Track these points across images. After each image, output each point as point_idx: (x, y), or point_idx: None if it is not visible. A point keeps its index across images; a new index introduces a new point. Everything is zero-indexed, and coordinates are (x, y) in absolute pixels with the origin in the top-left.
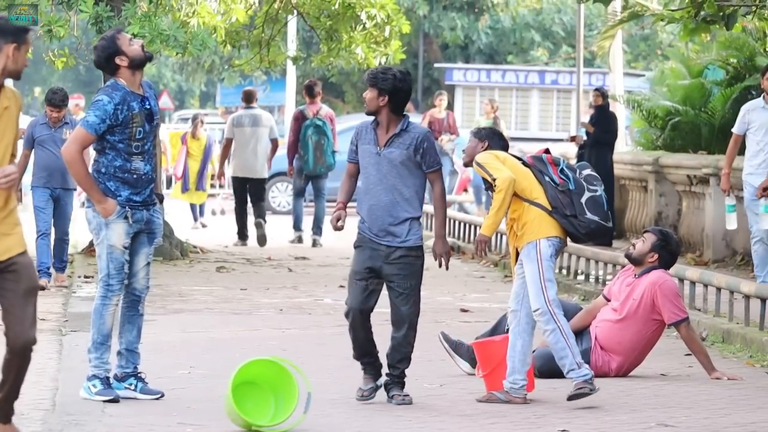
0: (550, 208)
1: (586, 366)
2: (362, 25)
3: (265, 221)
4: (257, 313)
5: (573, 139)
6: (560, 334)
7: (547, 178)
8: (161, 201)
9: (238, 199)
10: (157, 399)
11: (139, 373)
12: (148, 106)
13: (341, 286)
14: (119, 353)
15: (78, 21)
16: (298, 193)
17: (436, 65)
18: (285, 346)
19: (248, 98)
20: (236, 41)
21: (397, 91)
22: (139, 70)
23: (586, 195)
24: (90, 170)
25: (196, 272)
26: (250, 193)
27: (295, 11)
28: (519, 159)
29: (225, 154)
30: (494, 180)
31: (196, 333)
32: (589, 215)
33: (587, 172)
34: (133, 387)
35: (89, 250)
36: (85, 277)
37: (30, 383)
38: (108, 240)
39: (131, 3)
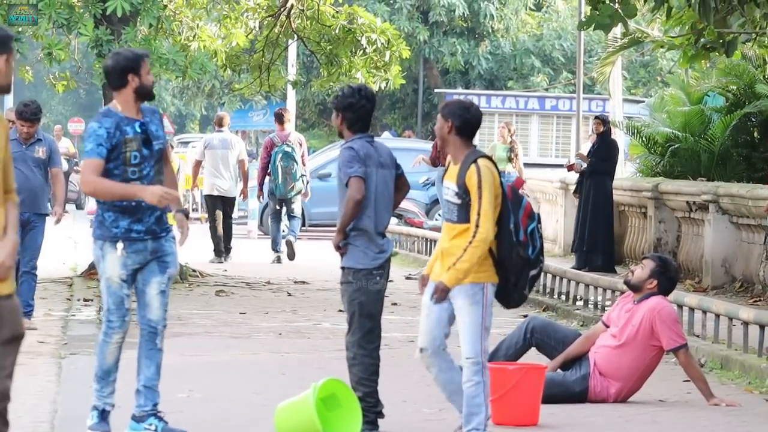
0: (496, 258)
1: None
2: (362, 50)
3: (230, 248)
4: (256, 336)
5: (570, 168)
6: (482, 390)
7: (512, 225)
8: (187, 216)
9: (211, 217)
10: None
11: (159, 412)
12: (144, 130)
13: (340, 311)
14: (138, 391)
15: (78, 44)
16: (274, 216)
17: (436, 90)
18: (284, 370)
19: (220, 122)
20: (236, 65)
21: (348, 107)
22: (140, 99)
23: (536, 270)
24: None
25: (195, 296)
26: (222, 210)
27: (295, 36)
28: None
29: (195, 173)
30: (477, 223)
31: (194, 357)
32: (526, 291)
33: (541, 232)
34: (154, 428)
35: (89, 273)
36: (85, 300)
37: (29, 406)
38: (104, 273)
39: (131, 26)
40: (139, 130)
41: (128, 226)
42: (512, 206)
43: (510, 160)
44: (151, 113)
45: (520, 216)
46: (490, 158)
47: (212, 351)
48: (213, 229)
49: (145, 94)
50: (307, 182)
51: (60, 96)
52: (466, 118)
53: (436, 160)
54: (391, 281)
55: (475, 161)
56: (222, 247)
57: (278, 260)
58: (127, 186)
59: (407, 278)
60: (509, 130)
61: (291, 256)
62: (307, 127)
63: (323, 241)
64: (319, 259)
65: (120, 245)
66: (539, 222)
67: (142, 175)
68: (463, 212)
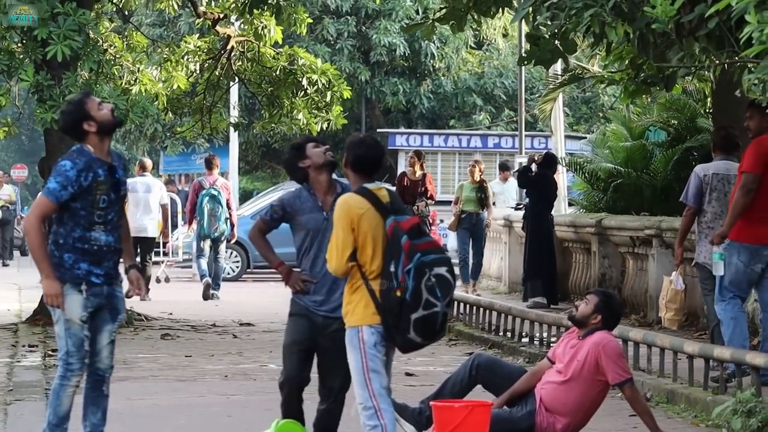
0: (378, 300)
1: None
2: (303, 91)
3: (149, 280)
4: (202, 379)
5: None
6: None
7: (391, 268)
8: (140, 271)
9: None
10: None
11: None
12: (116, 176)
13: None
14: None
15: (19, 90)
16: (199, 255)
17: (378, 130)
18: (230, 412)
19: (143, 167)
20: (178, 108)
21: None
22: (107, 136)
23: (419, 313)
24: (48, 241)
25: (141, 340)
26: (141, 250)
27: (236, 78)
28: (388, 210)
29: None
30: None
31: (140, 400)
32: (411, 335)
33: (440, 272)
34: None
35: (33, 319)
36: (30, 346)
37: None
38: (66, 315)
39: (72, 71)
40: (110, 174)
41: (89, 268)
42: (393, 248)
43: (480, 200)
44: (117, 158)
45: (401, 258)
46: (366, 192)
47: (158, 394)
48: None
49: (110, 128)
50: (233, 225)
51: (2, 143)
52: (357, 153)
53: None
54: None
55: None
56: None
57: (207, 285)
58: (46, 260)
59: None
60: (479, 169)
61: (207, 297)
62: (251, 170)
63: (267, 283)
64: (264, 301)
65: (84, 287)
66: (439, 264)
67: (107, 220)
68: None
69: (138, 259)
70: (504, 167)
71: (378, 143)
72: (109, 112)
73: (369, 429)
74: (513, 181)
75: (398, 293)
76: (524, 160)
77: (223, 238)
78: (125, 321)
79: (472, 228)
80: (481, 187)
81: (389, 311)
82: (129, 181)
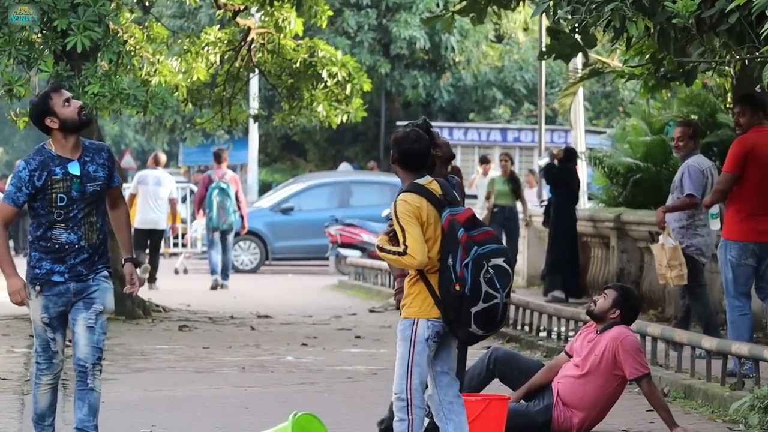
0: (438, 296)
1: None
2: (323, 83)
3: (156, 270)
4: (219, 371)
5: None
6: (406, 428)
7: (449, 261)
8: (136, 265)
9: (141, 248)
10: None
11: None
12: (77, 172)
13: (303, 344)
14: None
15: (38, 80)
16: (210, 245)
17: (398, 123)
18: (247, 404)
19: (156, 161)
20: (198, 100)
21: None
22: (72, 133)
23: (479, 306)
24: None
25: (159, 331)
26: (151, 242)
27: (256, 69)
28: (442, 203)
29: (130, 207)
30: (405, 247)
31: (158, 391)
32: (473, 328)
33: (498, 263)
34: None
35: None
36: None
37: None
38: (31, 316)
39: (91, 62)
40: (71, 170)
41: (50, 267)
42: (450, 241)
43: (515, 192)
44: (95, 151)
45: (459, 252)
46: (420, 188)
47: (175, 386)
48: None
49: (72, 127)
50: (242, 217)
51: (21, 133)
52: (403, 149)
53: None
54: (354, 314)
55: (398, 195)
56: (147, 277)
57: (215, 283)
58: (7, 260)
59: (371, 311)
60: (511, 161)
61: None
62: (270, 162)
63: (285, 275)
64: (282, 293)
65: (38, 288)
66: (497, 255)
67: (68, 218)
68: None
69: (148, 250)
70: (484, 161)
71: (422, 136)
72: (75, 110)
73: (396, 420)
74: (492, 174)
75: (457, 287)
76: (543, 162)
77: (232, 230)
78: (143, 312)
79: (505, 222)
80: (512, 179)
81: (449, 306)
82: (140, 173)
